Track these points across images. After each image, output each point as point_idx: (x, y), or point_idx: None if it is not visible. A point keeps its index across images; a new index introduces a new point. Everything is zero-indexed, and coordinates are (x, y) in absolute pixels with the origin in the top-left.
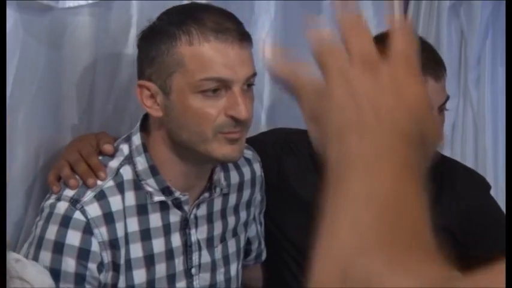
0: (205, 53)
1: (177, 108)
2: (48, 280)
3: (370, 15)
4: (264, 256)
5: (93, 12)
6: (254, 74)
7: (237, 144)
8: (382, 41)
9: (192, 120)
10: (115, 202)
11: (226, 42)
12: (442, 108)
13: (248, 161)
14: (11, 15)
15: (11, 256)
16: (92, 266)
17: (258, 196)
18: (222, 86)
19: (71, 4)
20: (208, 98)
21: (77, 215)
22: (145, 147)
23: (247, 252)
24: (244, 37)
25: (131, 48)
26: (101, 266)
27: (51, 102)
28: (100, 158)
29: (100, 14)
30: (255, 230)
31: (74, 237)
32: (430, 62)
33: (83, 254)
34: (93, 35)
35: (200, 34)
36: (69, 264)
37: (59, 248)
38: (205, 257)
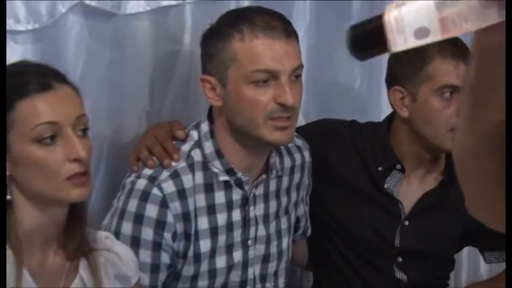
0: (255, 48)
1: (233, 97)
2: (132, 255)
3: None
4: (309, 232)
5: (152, 17)
6: (300, 66)
7: (286, 131)
8: None
9: (245, 108)
10: (187, 180)
11: (273, 38)
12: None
13: (299, 149)
14: (77, 21)
15: (102, 234)
16: (167, 235)
17: (306, 180)
18: (271, 76)
19: (132, 11)
20: (260, 88)
21: (155, 190)
22: (212, 133)
23: (295, 228)
24: (289, 33)
25: (186, 50)
26: (174, 236)
27: (114, 97)
28: (174, 142)
29: (158, 19)
30: (303, 210)
31: (152, 210)
32: (462, 50)
33: (160, 224)
34: (152, 38)
35: (250, 31)
36: (147, 233)
37: (139, 219)
38: (261, 231)
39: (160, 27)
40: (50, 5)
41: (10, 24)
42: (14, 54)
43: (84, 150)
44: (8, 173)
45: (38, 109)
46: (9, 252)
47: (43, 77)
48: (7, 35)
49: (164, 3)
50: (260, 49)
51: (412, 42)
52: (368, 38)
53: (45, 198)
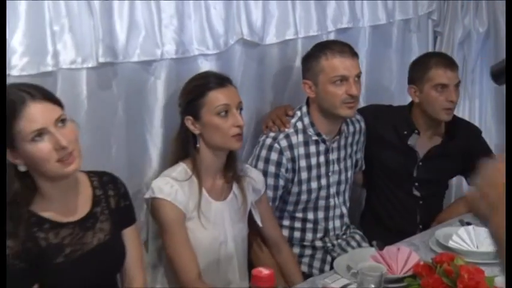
0: (334, 63)
1: (322, 92)
2: (261, 177)
3: None
4: (363, 167)
5: (279, 46)
6: (360, 72)
7: (352, 109)
8: None
9: (329, 97)
10: (294, 139)
11: (344, 57)
12: (457, 86)
13: (358, 121)
14: (239, 49)
15: (245, 165)
16: (283, 169)
17: (362, 138)
18: (343, 79)
19: (268, 42)
20: (337, 86)
21: (276, 145)
22: (308, 112)
23: (355, 165)
24: (353, 54)
25: (297, 66)
26: (286, 170)
27: (258, 93)
28: (287, 117)
29: (282, 47)
30: (359, 155)
31: (274, 156)
32: (452, 63)
33: (278, 164)
34: (278, 58)
35: (331, 54)
36: (272, 168)
37: (267, 161)
38: (336, 167)
39: (283, 52)
40: (225, 39)
41: (203, 50)
42: (205, 67)
43: (241, 121)
44: (197, 132)
45: (218, 97)
46: (195, 180)
47: (220, 79)
48: (202, 57)
49: (287, 37)
50: (337, 64)
51: None
52: (500, 72)
53: (218, 147)
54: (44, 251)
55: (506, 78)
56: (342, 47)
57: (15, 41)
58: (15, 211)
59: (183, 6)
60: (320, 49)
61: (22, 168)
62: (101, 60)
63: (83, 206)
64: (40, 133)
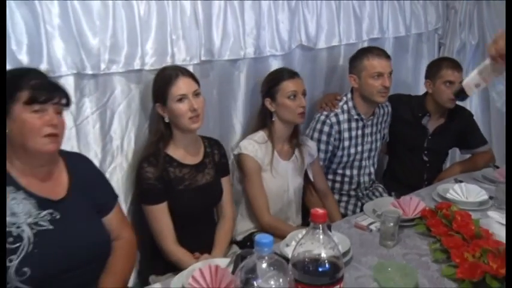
0: (374, 63)
1: (364, 84)
2: (314, 145)
3: None
4: (388, 139)
5: (327, 50)
6: (392, 70)
7: (384, 97)
8: None
9: (369, 88)
10: (340, 117)
11: (381, 59)
12: (461, 83)
13: (386, 106)
14: (298, 51)
15: (304, 137)
16: (332, 139)
17: (389, 118)
18: (380, 75)
19: (319, 47)
20: (375, 80)
21: (328, 120)
22: (352, 98)
23: (383, 137)
24: (387, 57)
25: (340, 64)
26: (335, 139)
27: (311, 84)
28: (336, 101)
29: (329, 51)
30: (386, 130)
31: (326, 128)
32: (458, 66)
33: (329, 134)
34: (325, 59)
35: (371, 56)
36: (323, 137)
37: (320, 132)
38: (369, 138)
39: (330, 54)
40: (289, 44)
41: (273, 52)
42: (274, 64)
43: (304, 103)
44: (273, 109)
45: (289, 85)
46: (269, 144)
47: (291, 73)
48: (272, 57)
49: (333, 44)
50: (376, 63)
51: (475, 90)
52: (459, 93)
53: (288, 121)
54: (172, 180)
55: (506, 78)
56: (380, 51)
57: (148, 46)
58: (157, 150)
59: (260, 21)
60: (363, 52)
61: (166, 120)
62: (203, 58)
63: (198, 156)
64: (182, 97)
